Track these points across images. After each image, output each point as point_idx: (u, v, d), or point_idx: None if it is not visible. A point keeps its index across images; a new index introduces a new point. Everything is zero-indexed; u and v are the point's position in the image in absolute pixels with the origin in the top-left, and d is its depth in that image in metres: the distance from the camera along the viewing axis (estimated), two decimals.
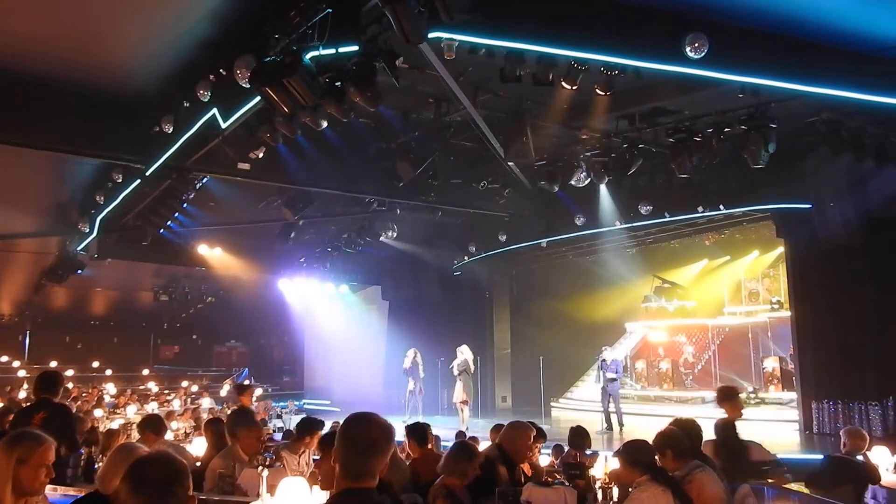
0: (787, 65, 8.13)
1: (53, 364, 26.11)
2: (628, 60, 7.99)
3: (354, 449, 2.40)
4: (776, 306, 17.09)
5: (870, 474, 5.54)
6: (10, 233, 16.79)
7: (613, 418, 14.25)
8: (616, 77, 8.30)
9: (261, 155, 10.81)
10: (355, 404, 16.17)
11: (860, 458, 6.12)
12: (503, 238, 16.30)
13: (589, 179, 11.74)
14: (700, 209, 13.34)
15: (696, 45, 7.29)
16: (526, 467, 5.46)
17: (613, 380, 14.43)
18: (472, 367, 15.46)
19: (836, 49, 8.14)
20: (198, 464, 5.87)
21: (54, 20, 8.37)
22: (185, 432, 10.66)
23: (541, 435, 5.79)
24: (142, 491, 2.21)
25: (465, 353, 15.38)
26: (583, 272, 19.16)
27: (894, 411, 11.55)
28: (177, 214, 13.55)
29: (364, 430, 2.45)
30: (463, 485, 4.39)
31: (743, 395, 16.25)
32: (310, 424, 6.57)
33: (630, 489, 4.14)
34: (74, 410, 10.54)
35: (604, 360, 14.83)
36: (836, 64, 8.25)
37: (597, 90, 8.54)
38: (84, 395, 17.36)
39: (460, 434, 11.17)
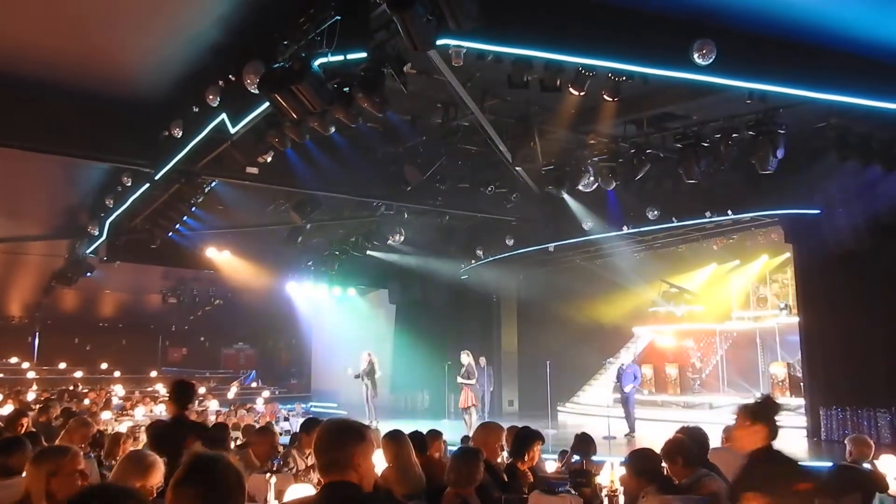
0: (794, 71, 8.13)
1: (62, 366, 26.30)
2: (636, 67, 7.98)
3: (318, 446, 2.65)
4: (784, 311, 17.00)
5: (877, 483, 5.50)
6: (21, 236, 16.92)
7: (625, 423, 14.31)
8: (624, 83, 8.30)
9: (269, 159, 10.87)
10: (362, 407, 16.29)
11: (868, 465, 6.08)
12: (510, 242, 16.28)
13: (596, 184, 11.73)
14: (708, 214, 13.29)
15: (704, 51, 7.29)
16: (528, 473, 5.46)
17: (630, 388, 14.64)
18: (472, 373, 15.20)
19: (844, 55, 8.12)
20: None
21: (64, 26, 8.45)
22: None
23: (538, 436, 5.78)
24: None
25: (470, 358, 15.31)
26: (590, 276, 19.08)
27: None
28: (185, 218, 13.61)
29: (324, 427, 2.72)
30: (473, 491, 4.42)
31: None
32: (314, 423, 6.70)
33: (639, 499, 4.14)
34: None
35: (620, 367, 14.95)
36: (844, 70, 8.23)
37: (604, 96, 8.56)
38: (91, 396, 17.43)
39: (465, 439, 11.19)
